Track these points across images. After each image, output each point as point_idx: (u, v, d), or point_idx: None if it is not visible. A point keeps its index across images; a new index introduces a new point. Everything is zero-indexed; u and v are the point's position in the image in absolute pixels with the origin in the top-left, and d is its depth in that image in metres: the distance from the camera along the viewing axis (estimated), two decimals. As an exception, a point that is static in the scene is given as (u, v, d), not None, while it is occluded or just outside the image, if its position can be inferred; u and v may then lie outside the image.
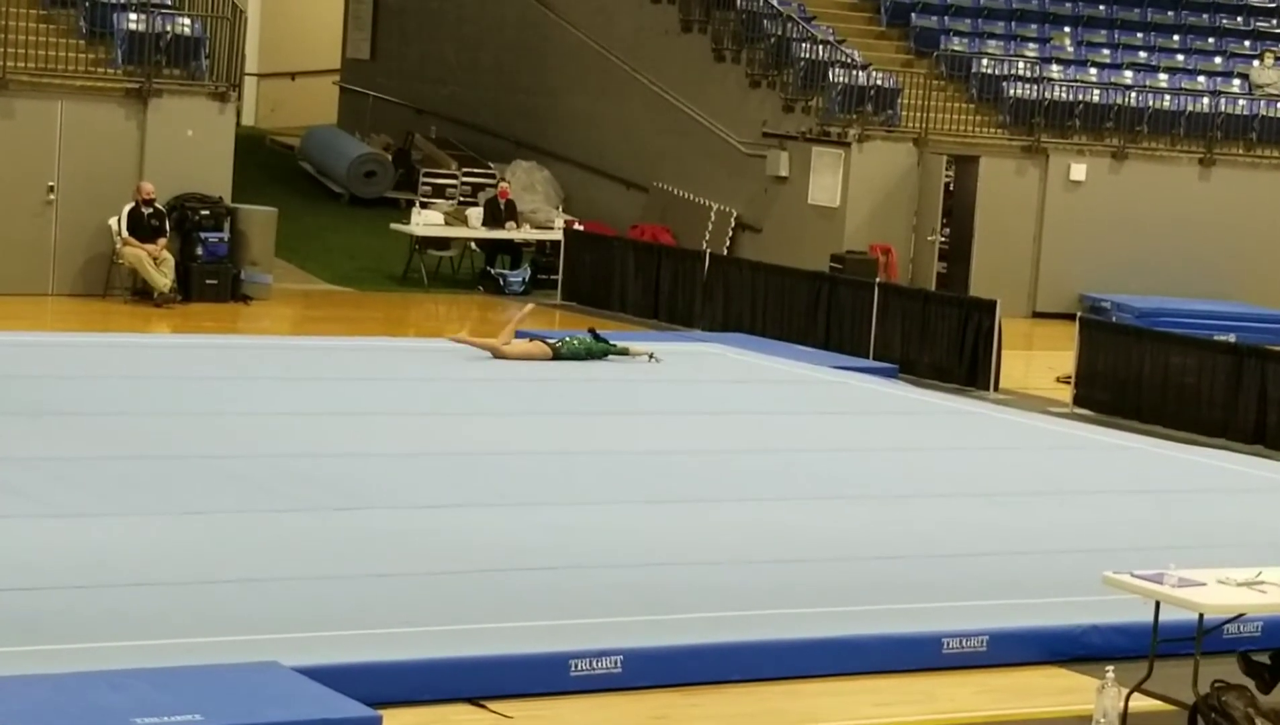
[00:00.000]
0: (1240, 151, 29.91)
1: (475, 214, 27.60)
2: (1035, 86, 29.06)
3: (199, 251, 23.60)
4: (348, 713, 8.43)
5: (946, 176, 27.99)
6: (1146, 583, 9.37)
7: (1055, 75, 29.78)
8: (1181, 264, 28.67)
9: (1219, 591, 9.32)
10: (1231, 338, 22.92)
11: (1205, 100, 29.98)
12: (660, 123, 30.21)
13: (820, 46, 28.41)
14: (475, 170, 31.37)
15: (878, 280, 23.46)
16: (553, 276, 26.21)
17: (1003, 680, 10.35)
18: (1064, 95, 29.13)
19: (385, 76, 35.91)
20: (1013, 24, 31.38)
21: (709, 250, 25.37)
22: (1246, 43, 32.41)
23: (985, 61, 29.52)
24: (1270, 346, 20.06)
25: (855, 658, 10.25)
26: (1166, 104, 29.66)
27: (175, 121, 23.63)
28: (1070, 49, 31.09)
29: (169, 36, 23.85)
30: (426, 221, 27.14)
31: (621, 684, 9.65)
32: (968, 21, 31.03)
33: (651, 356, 19.26)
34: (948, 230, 28.14)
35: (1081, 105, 29.12)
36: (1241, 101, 30.30)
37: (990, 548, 12.72)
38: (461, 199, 30.09)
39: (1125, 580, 9.48)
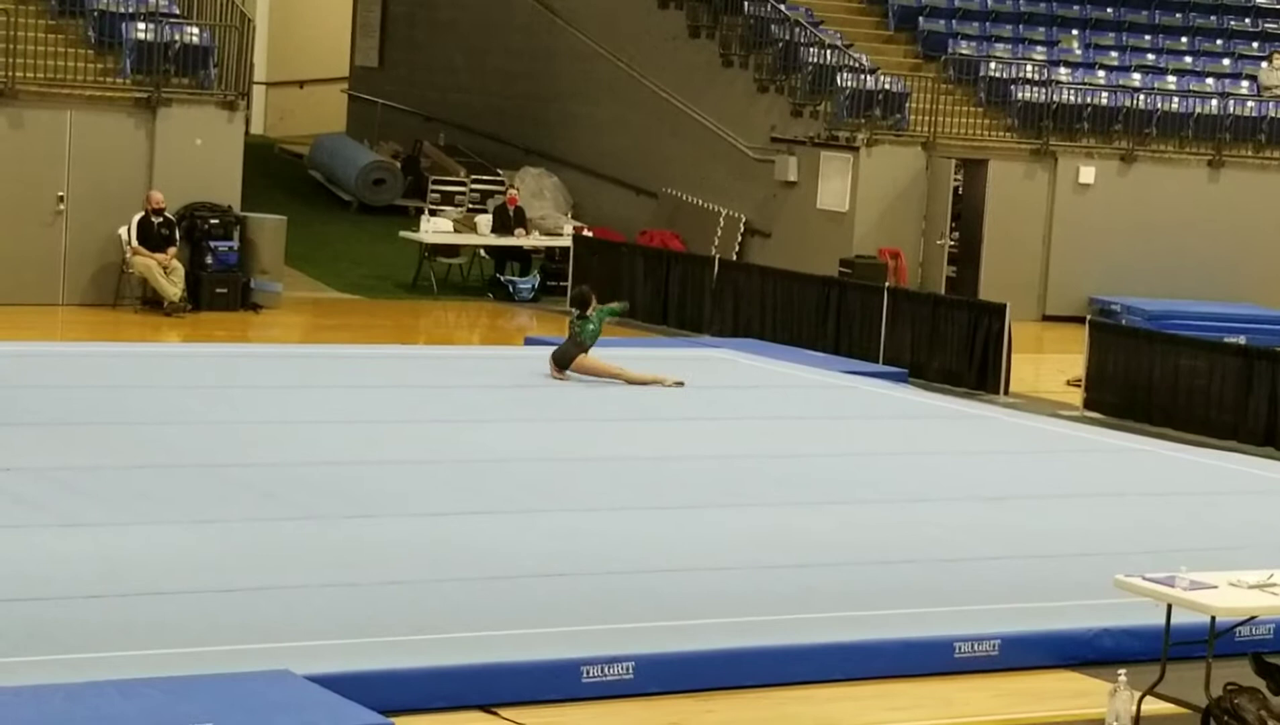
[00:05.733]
0: (1249, 153, 29.90)
1: (484, 221, 27.63)
2: (1043, 89, 29.06)
3: (209, 260, 23.64)
4: (360, 720, 8.44)
5: (955, 180, 28.00)
6: (1158, 586, 9.37)
7: (1063, 78, 29.78)
8: (1191, 266, 28.67)
9: (1231, 594, 9.31)
10: (1242, 340, 22.89)
11: (1214, 102, 29.97)
12: (668, 128, 30.22)
13: (828, 51, 28.41)
14: (484, 177, 31.42)
15: (887, 284, 23.46)
16: (562, 283, 26.23)
17: (1015, 684, 10.34)
18: (1072, 98, 29.12)
19: (394, 84, 35.95)
20: (1020, 27, 31.38)
21: (718, 255, 25.38)
22: (1255, 44, 32.40)
23: (993, 65, 29.52)
24: (1281, 348, 20.05)
25: (867, 662, 10.25)
26: (1175, 106, 29.65)
27: (184, 131, 23.67)
28: (1078, 52, 31.09)
29: (177, 46, 23.88)
30: (436, 229, 27.17)
31: (634, 690, 9.66)
32: (975, 25, 31.02)
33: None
34: (957, 234, 28.14)
35: (1090, 108, 29.11)
36: (1250, 103, 30.29)
37: (1001, 551, 12.71)
38: (470, 206, 30.13)
39: (1137, 583, 9.48)
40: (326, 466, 13.93)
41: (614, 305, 19.59)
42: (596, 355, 18.57)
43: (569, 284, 25.61)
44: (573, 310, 19.11)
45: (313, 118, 38.00)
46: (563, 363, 18.41)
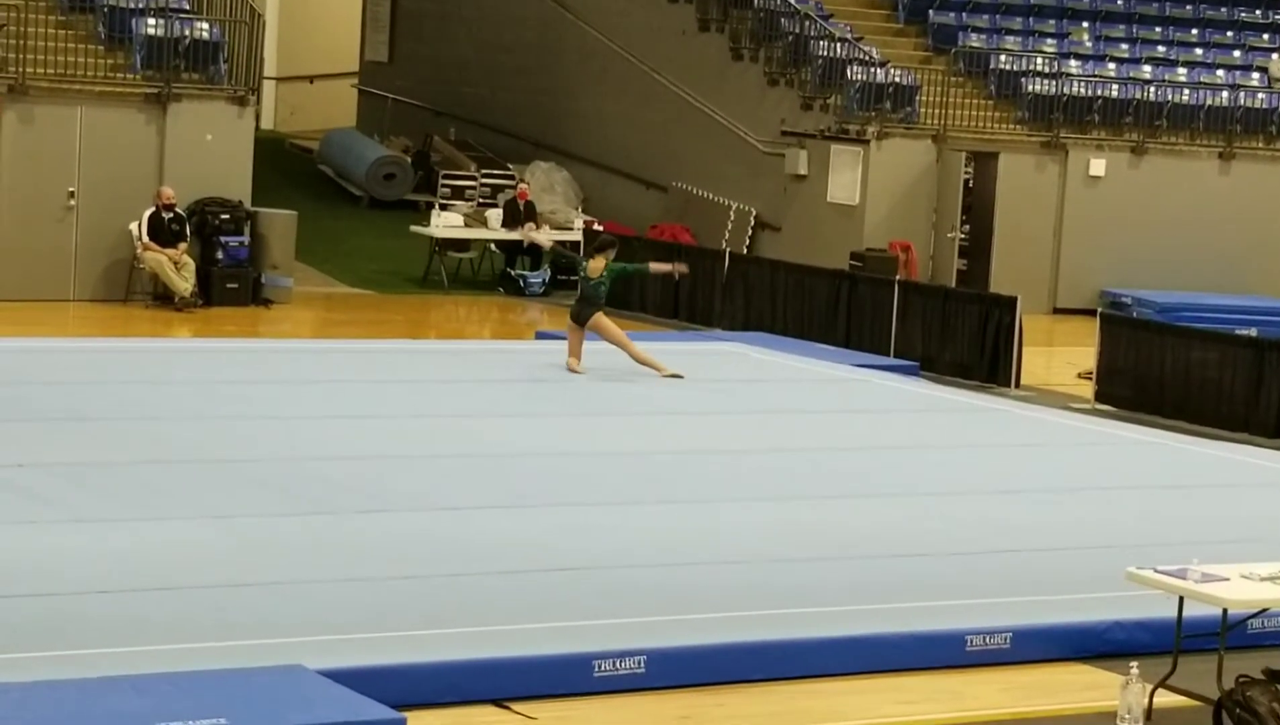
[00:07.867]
0: (1260, 145, 29.88)
1: (495, 215, 27.63)
2: (1054, 82, 29.04)
3: (219, 255, 23.66)
4: (372, 715, 8.45)
5: (966, 173, 27.98)
6: (1170, 578, 9.37)
7: (1074, 70, 29.75)
8: (1202, 258, 28.65)
9: (1242, 586, 9.31)
10: (1253, 332, 22.84)
11: (1224, 94, 29.95)
12: (679, 122, 30.22)
13: (838, 44, 28.41)
14: (494, 171, 31.40)
15: (898, 278, 23.46)
16: (572, 277, 26.17)
17: (1026, 677, 10.34)
18: (1083, 90, 29.10)
19: (404, 79, 35.96)
20: (1030, 20, 31.36)
21: (728, 249, 25.37)
22: (1265, 36, 32.36)
23: (1003, 57, 29.51)
24: (1292, 340, 20.01)
25: (879, 656, 10.25)
26: (1185, 98, 29.63)
27: (194, 126, 23.69)
28: (1088, 44, 31.06)
29: (187, 41, 23.92)
30: (446, 223, 27.17)
31: (645, 684, 9.66)
32: (986, 18, 31.01)
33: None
34: (967, 227, 28.13)
35: (1100, 100, 29.09)
36: (1260, 95, 30.26)
37: (1013, 544, 12.71)
38: (481, 200, 30.12)
39: (1148, 576, 9.48)
40: (338, 461, 13.94)
41: (626, 265, 19.67)
42: (610, 322, 18.72)
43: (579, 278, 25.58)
44: (581, 260, 19.16)
45: (323, 113, 38.02)
46: (580, 319, 18.53)
